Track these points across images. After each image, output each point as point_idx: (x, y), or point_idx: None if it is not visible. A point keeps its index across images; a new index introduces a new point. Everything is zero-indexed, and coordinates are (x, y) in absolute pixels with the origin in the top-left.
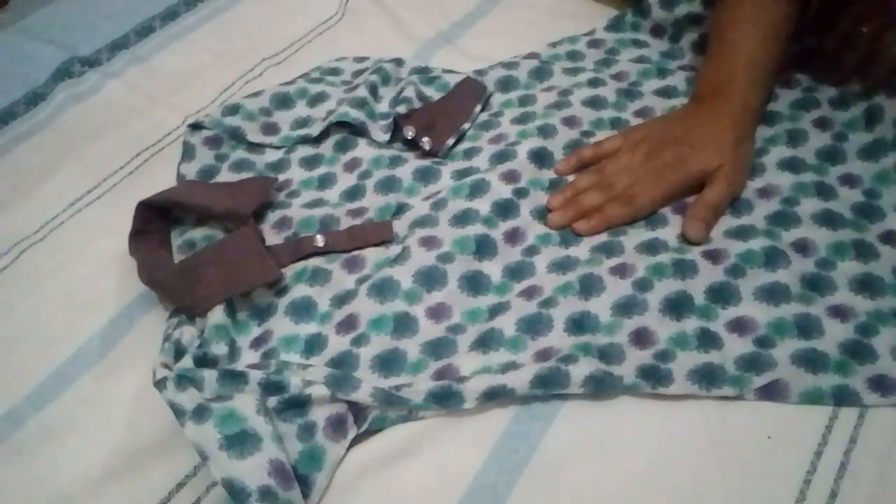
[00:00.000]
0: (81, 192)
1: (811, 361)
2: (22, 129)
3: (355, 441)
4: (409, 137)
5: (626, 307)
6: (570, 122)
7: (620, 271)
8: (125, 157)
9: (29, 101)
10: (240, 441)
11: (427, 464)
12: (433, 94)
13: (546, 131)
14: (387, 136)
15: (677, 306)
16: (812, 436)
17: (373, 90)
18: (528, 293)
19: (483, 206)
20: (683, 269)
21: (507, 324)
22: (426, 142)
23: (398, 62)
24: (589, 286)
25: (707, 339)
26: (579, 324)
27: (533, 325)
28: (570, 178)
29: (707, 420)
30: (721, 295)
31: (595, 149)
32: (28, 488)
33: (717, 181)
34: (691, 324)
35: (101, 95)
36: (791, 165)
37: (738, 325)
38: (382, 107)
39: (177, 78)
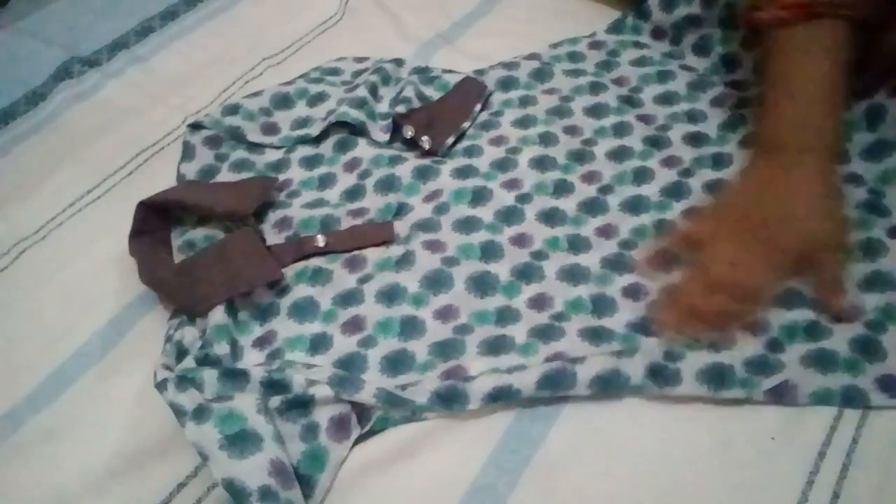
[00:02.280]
0: (81, 192)
1: (820, 361)
2: (22, 129)
3: (356, 441)
4: (409, 137)
5: (641, 326)
6: (571, 130)
7: (633, 293)
8: (125, 157)
9: (29, 101)
10: (240, 441)
11: (428, 464)
12: (433, 93)
13: (547, 139)
14: (387, 136)
15: None
16: (816, 436)
17: (373, 90)
18: (539, 304)
19: (486, 213)
20: None
21: (518, 332)
22: (426, 140)
23: (398, 62)
24: (602, 306)
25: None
26: (594, 333)
27: (545, 332)
28: (572, 178)
29: (710, 420)
30: None
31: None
32: (28, 488)
33: (837, 260)
34: None
35: (101, 95)
36: None
37: (751, 326)
38: (382, 107)
39: (177, 78)
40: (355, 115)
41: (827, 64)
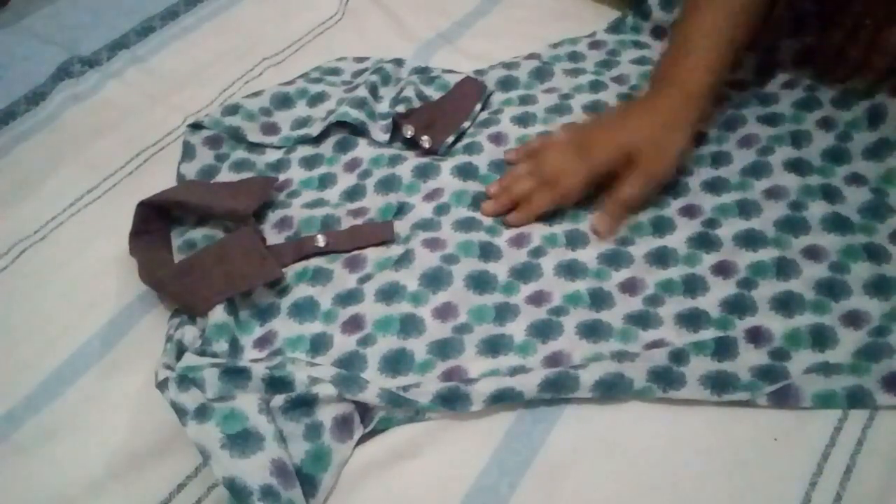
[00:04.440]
0: (81, 192)
1: (824, 369)
2: (22, 128)
3: (358, 441)
4: (409, 136)
5: (639, 319)
6: None
7: (630, 288)
8: (125, 157)
9: (29, 100)
10: (242, 440)
11: (429, 465)
12: (433, 93)
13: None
14: (387, 136)
15: (693, 320)
16: (820, 438)
17: (373, 90)
18: (537, 299)
19: (486, 217)
20: (693, 287)
21: (516, 330)
22: (425, 140)
23: (398, 62)
24: (599, 301)
25: (724, 347)
26: (591, 329)
27: (543, 330)
28: None
29: (712, 421)
30: (737, 306)
31: (542, 139)
32: (28, 488)
33: (634, 176)
34: (709, 333)
35: (101, 95)
36: (797, 167)
37: (755, 336)
38: (382, 107)
39: (177, 78)
40: (355, 114)
41: (721, 19)
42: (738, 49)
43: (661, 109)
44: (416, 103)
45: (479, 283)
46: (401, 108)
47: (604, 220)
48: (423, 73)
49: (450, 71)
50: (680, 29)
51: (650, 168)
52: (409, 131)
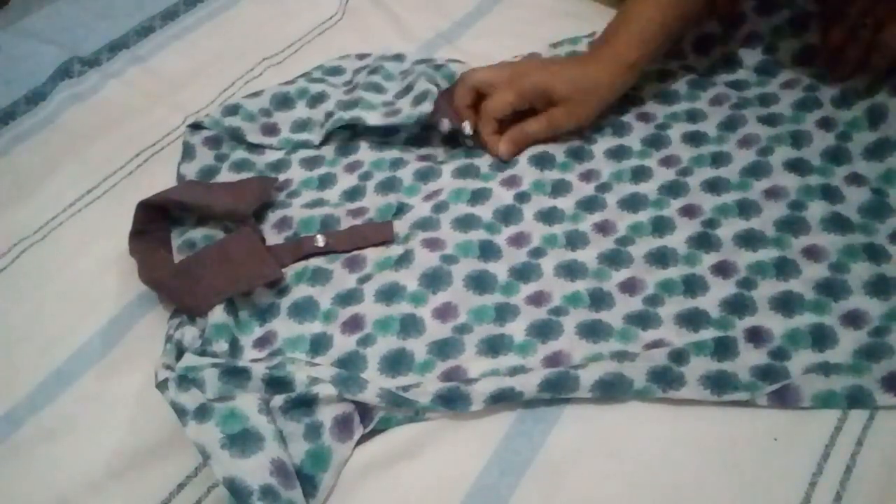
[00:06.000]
0: (81, 192)
1: (824, 369)
2: (22, 128)
3: (358, 441)
4: (447, 130)
5: (639, 319)
6: None
7: (630, 288)
8: (125, 157)
9: (29, 101)
10: (242, 440)
11: (429, 465)
12: (441, 82)
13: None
14: (387, 120)
15: (693, 320)
16: (820, 437)
17: (376, 90)
18: (537, 300)
19: (485, 212)
20: (693, 287)
21: (516, 330)
22: (466, 125)
23: (398, 58)
24: (599, 301)
25: (724, 347)
26: (591, 329)
27: (543, 330)
28: (570, 177)
29: (713, 421)
30: (737, 306)
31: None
32: (28, 488)
33: (542, 117)
34: (708, 333)
35: (101, 95)
36: (796, 167)
37: (755, 335)
38: (387, 97)
39: (177, 78)
40: (350, 115)
41: (654, 6)
42: (672, 33)
43: (591, 70)
44: (434, 93)
45: (479, 283)
46: (425, 107)
47: (505, 143)
48: (427, 62)
49: (455, 60)
50: (624, 8)
51: (559, 116)
52: (445, 126)
